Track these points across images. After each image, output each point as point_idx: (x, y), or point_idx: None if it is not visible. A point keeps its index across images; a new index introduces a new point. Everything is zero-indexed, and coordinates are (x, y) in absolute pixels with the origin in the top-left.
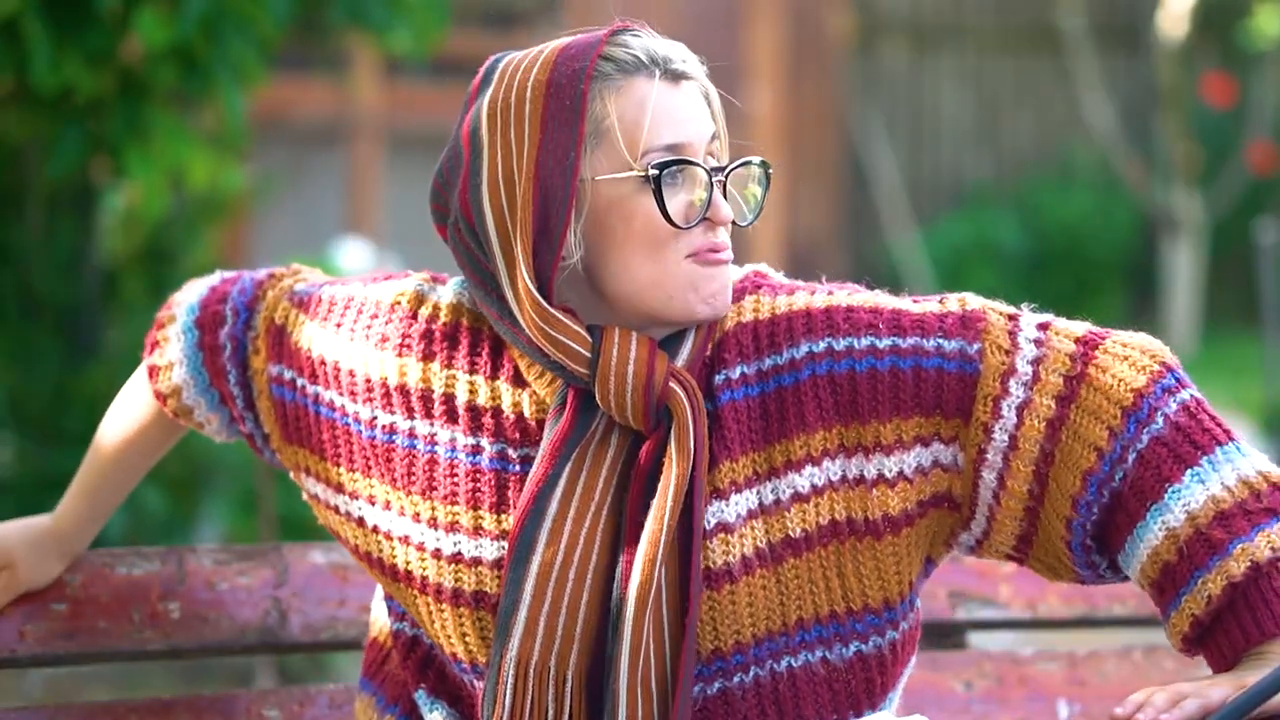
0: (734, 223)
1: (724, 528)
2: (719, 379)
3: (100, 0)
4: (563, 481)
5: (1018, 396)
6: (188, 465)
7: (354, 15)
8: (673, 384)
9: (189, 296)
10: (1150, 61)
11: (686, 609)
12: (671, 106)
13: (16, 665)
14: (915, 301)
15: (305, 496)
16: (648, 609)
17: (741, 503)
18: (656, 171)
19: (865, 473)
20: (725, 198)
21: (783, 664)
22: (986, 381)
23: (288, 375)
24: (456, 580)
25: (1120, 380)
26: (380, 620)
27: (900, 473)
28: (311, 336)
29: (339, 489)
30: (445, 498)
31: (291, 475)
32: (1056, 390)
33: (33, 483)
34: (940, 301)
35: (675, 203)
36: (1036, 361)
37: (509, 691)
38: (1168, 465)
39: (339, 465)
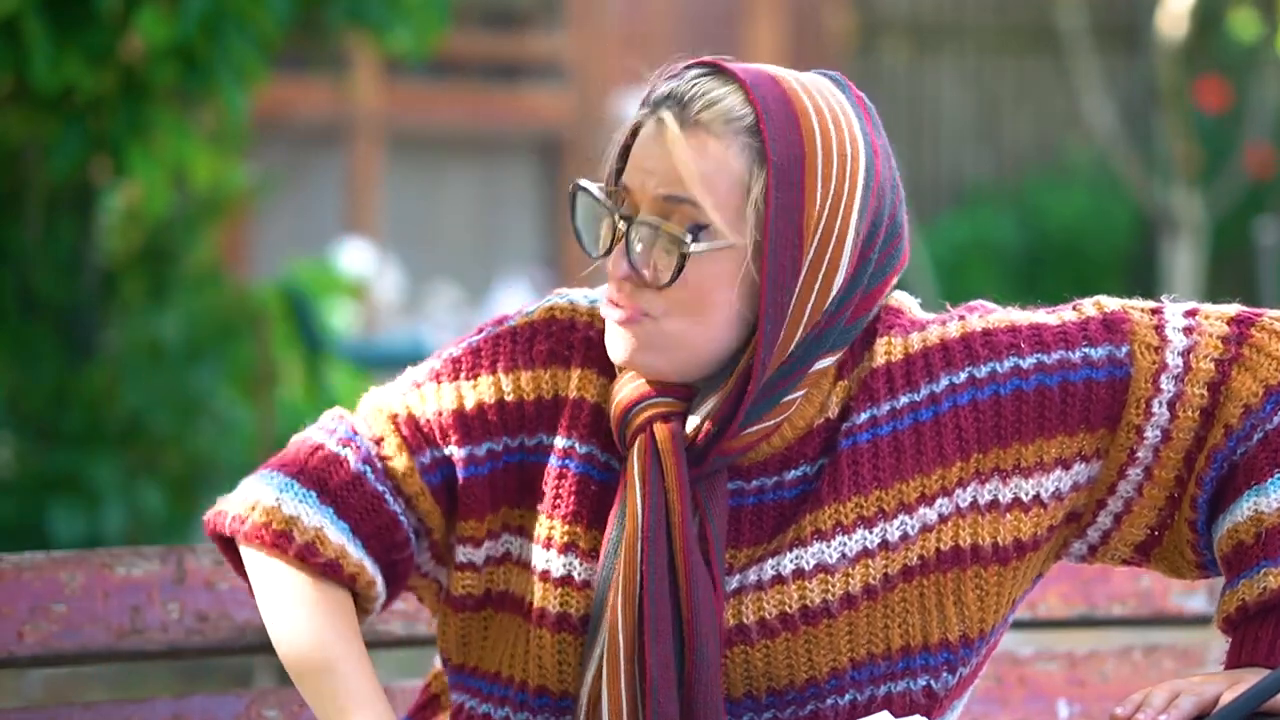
0: (648, 285)
1: (823, 568)
2: (845, 426)
3: (100, 0)
4: (635, 512)
5: (1169, 391)
6: (188, 465)
7: (354, 15)
8: (639, 437)
9: (266, 483)
10: (1150, 61)
11: (684, 656)
12: (639, 149)
13: (16, 665)
14: (1049, 313)
15: (458, 568)
16: (620, 674)
17: (850, 544)
18: (571, 189)
19: (1000, 497)
20: (630, 251)
21: (882, 689)
22: (1138, 384)
23: (438, 455)
24: (562, 604)
25: (1273, 358)
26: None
27: (1037, 496)
28: (441, 400)
29: (490, 538)
30: (566, 515)
31: (456, 556)
32: (1209, 377)
33: (32, 483)
34: (1074, 309)
35: (589, 231)
36: (1187, 352)
37: None
38: None
39: (490, 513)
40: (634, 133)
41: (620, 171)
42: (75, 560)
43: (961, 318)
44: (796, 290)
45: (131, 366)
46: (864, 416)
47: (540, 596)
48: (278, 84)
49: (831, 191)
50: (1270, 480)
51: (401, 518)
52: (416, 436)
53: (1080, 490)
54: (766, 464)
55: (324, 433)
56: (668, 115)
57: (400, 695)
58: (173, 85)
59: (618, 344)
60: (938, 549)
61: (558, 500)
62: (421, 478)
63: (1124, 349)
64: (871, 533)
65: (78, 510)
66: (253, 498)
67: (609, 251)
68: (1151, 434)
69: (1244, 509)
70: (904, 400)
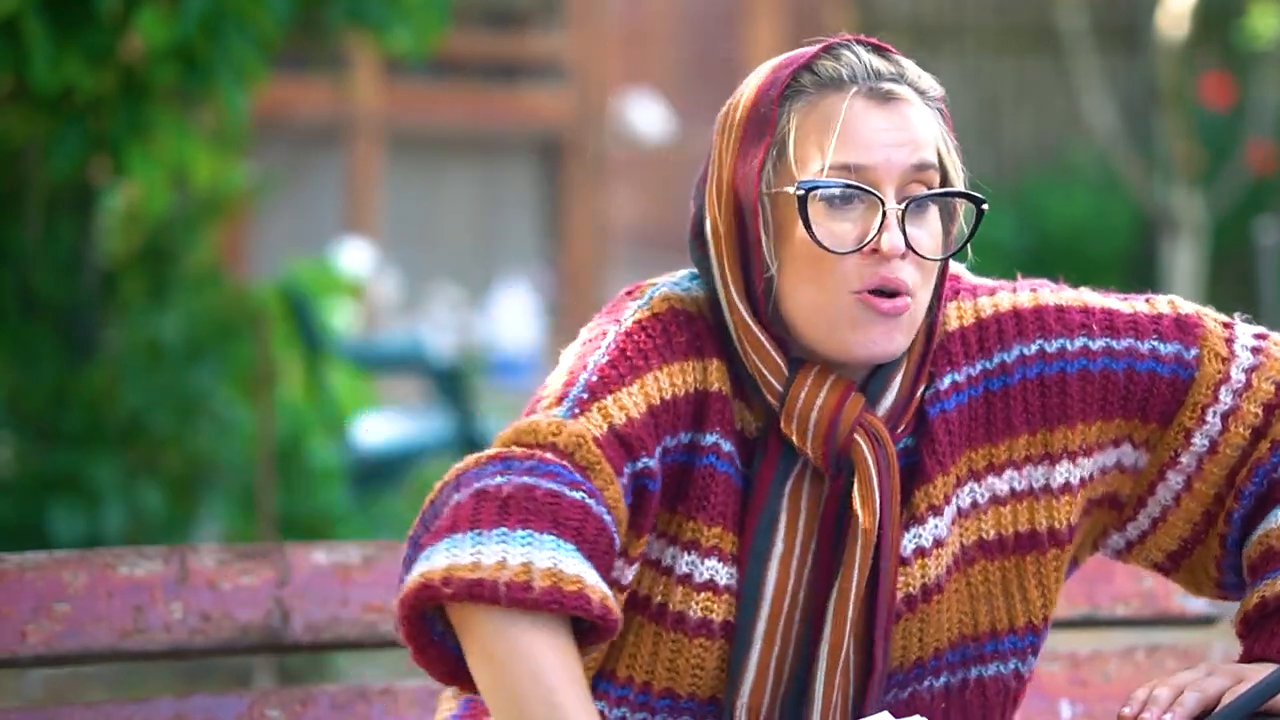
0: (924, 256)
1: (938, 543)
2: (929, 393)
3: (100, 0)
4: (782, 516)
5: (1226, 404)
6: (188, 465)
7: (354, 15)
8: (858, 436)
9: (521, 542)
10: (1150, 61)
11: (872, 663)
12: (863, 126)
13: (18, 665)
14: (1121, 299)
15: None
16: (838, 669)
17: (949, 513)
18: (803, 191)
19: (1060, 479)
20: (904, 229)
21: (974, 672)
22: (1199, 389)
23: (634, 468)
24: (705, 611)
25: None
26: None
27: (1082, 479)
28: (626, 408)
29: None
30: (711, 517)
31: (622, 588)
32: (1267, 398)
33: (32, 483)
34: (1148, 301)
35: (836, 227)
36: (1251, 370)
37: None
38: None
39: (645, 532)
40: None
41: (809, 158)
42: (78, 560)
43: (1033, 289)
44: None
45: (131, 366)
46: (947, 381)
47: (679, 600)
48: (278, 84)
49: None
50: None
51: (616, 540)
52: (619, 455)
53: (1125, 474)
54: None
55: (545, 478)
56: (898, 87)
57: (401, 695)
58: (173, 85)
59: (886, 338)
60: (1015, 530)
61: (705, 501)
62: (624, 503)
63: (1193, 352)
64: (959, 498)
65: (78, 510)
66: (520, 558)
67: (870, 241)
68: (1200, 441)
69: (1277, 517)
70: (979, 367)
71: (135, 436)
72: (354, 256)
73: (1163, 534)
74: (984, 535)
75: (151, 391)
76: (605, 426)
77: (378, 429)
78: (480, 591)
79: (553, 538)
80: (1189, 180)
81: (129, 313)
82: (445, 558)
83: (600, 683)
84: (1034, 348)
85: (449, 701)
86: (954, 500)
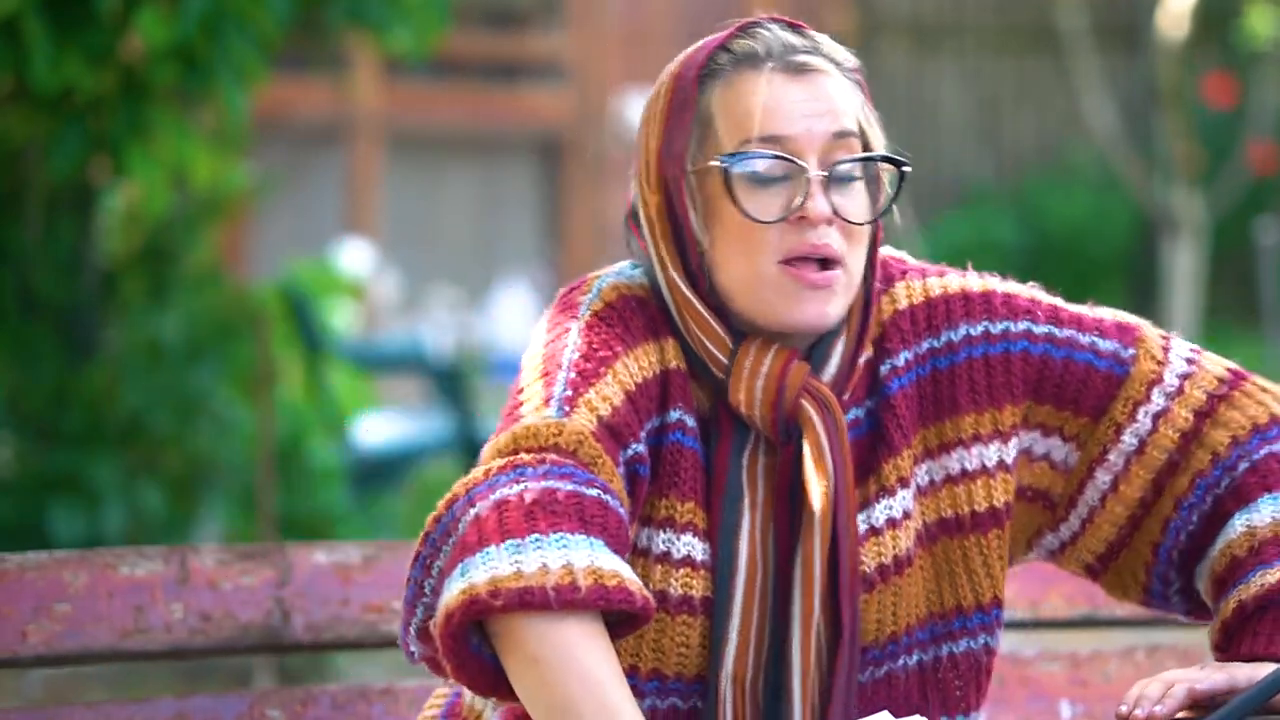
0: (851, 221)
1: (907, 514)
2: (885, 369)
3: (100, 0)
4: (745, 489)
5: (1158, 404)
6: (188, 465)
7: (354, 15)
8: (805, 401)
9: (553, 545)
10: (1150, 61)
11: (840, 626)
12: (782, 99)
13: (19, 665)
14: (1068, 303)
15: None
16: (812, 635)
17: (912, 487)
18: (725, 165)
19: (1005, 458)
20: (828, 196)
21: (945, 649)
22: (1132, 385)
23: (625, 455)
24: (685, 587)
25: (1262, 405)
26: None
27: (1013, 459)
28: (611, 398)
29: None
30: (683, 493)
31: None
32: (1198, 404)
33: (32, 483)
34: (1092, 307)
35: (762, 198)
36: (1184, 377)
37: (729, 707)
38: (1274, 477)
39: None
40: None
41: (735, 135)
42: (78, 560)
43: (982, 276)
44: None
45: (131, 366)
46: (903, 357)
47: (659, 578)
48: (278, 84)
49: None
50: (1261, 499)
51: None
52: (613, 446)
53: (1057, 471)
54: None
55: (561, 480)
56: (813, 59)
57: (401, 695)
58: (173, 85)
59: (818, 307)
60: (972, 510)
61: (676, 478)
62: (626, 493)
63: (1130, 351)
64: (918, 476)
65: (78, 510)
66: (560, 561)
67: (796, 210)
68: (1128, 440)
69: (1237, 528)
70: (926, 345)
71: (135, 436)
72: (354, 256)
73: (1091, 535)
74: (942, 513)
75: (151, 391)
76: (595, 420)
77: (378, 429)
78: (530, 599)
79: (584, 537)
80: (1189, 180)
81: (129, 313)
82: (484, 571)
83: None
84: (979, 328)
85: (435, 701)
86: (914, 477)
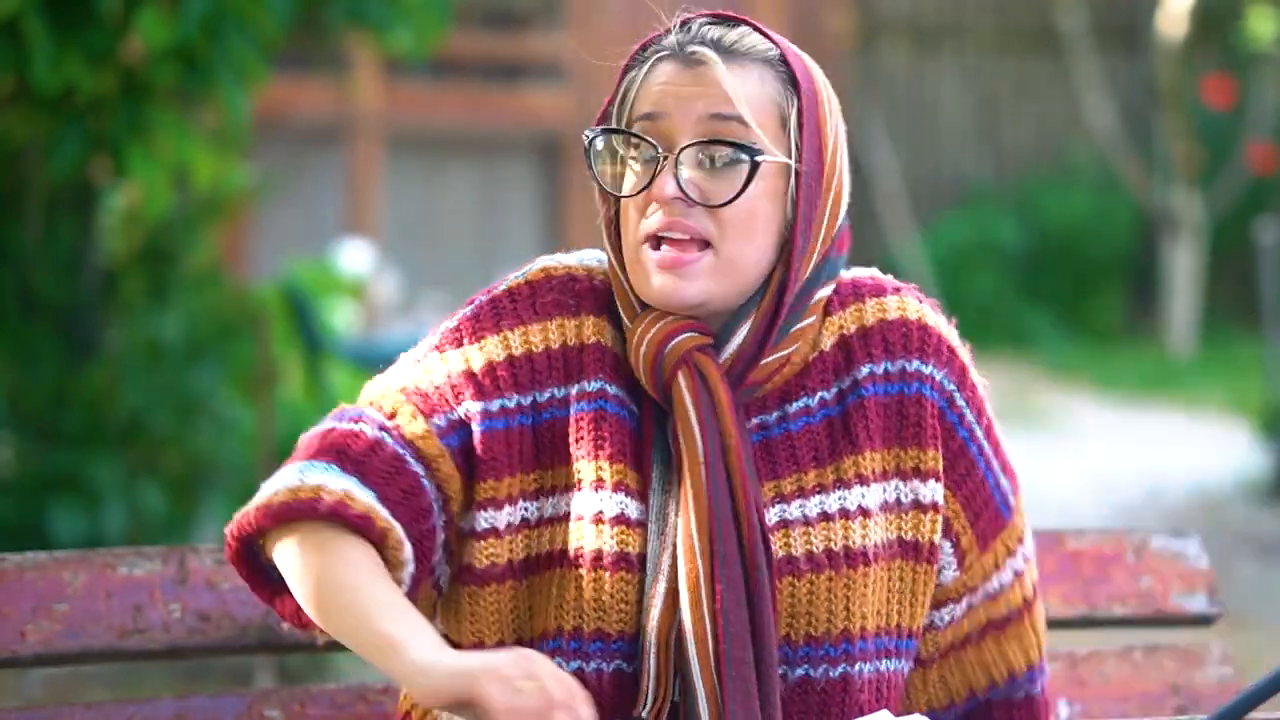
0: (695, 201)
1: (863, 511)
2: (865, 370)
3: (101, 0)
4: (670, 450)
5: (1018, 563)
6: (188, 465)
7: (354, 15)
8: (681, 372)
9: (280, 475)
10: (1150, 61)
11: (751, 595)
12: (666, 81)
13: (18, 665)
14: (996, 446)
15: (479, 537)
16: (702, 602)
17: (878, 491)
18: (588, 135)
19: (936, 497)
20: (679, 176)
21: (887, 665)
22: (1010, 534)
23: (453, 418)
24: (620, 543)
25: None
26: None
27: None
28: (448, 365)
29: (509, 502)
30: (611, 455)
31: (475, 525)
32: (1035, 580)
33: (33, 483)
34: (1006, 469)
35: (616, 172)
36: (1029, 549)
37: (651, 663)
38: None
39: (508, 476)
40: (631, 82)
41: (622, 115)
42: (77, 560)
43: (961, 344)
44: (818, 209)
45: (132, 366)
46: (885, 367)
47: (595, 539)
48: (278, 84)
49: (833, 126)
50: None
51: (424, 481)
52: (428, 403)
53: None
54: (765, 400)
55: (331, 420)
56: (701, 49)
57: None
58: (173, 86)
59: (669, 278)
60: (931, 540)
61: (600, 441)
62: (440, 440)
63: (1013, 499)
64: (886, 491)
65: (78, 510)
66: (270, 489)
67: (646, 187)
68: (994, 583)
69: None
70: (913, 366)
71: (135, 436)
72: (354, 256)
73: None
74: (903, 534)
75: (152, 391)
76: (423, 381)
77: None
78: (243, 525)
79: (327, 465)
80: (1189, 180)
81: (129, 313)
82: (256, 497)
83: (537, 643)
84: (941, 375)
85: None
86: (884, 487)
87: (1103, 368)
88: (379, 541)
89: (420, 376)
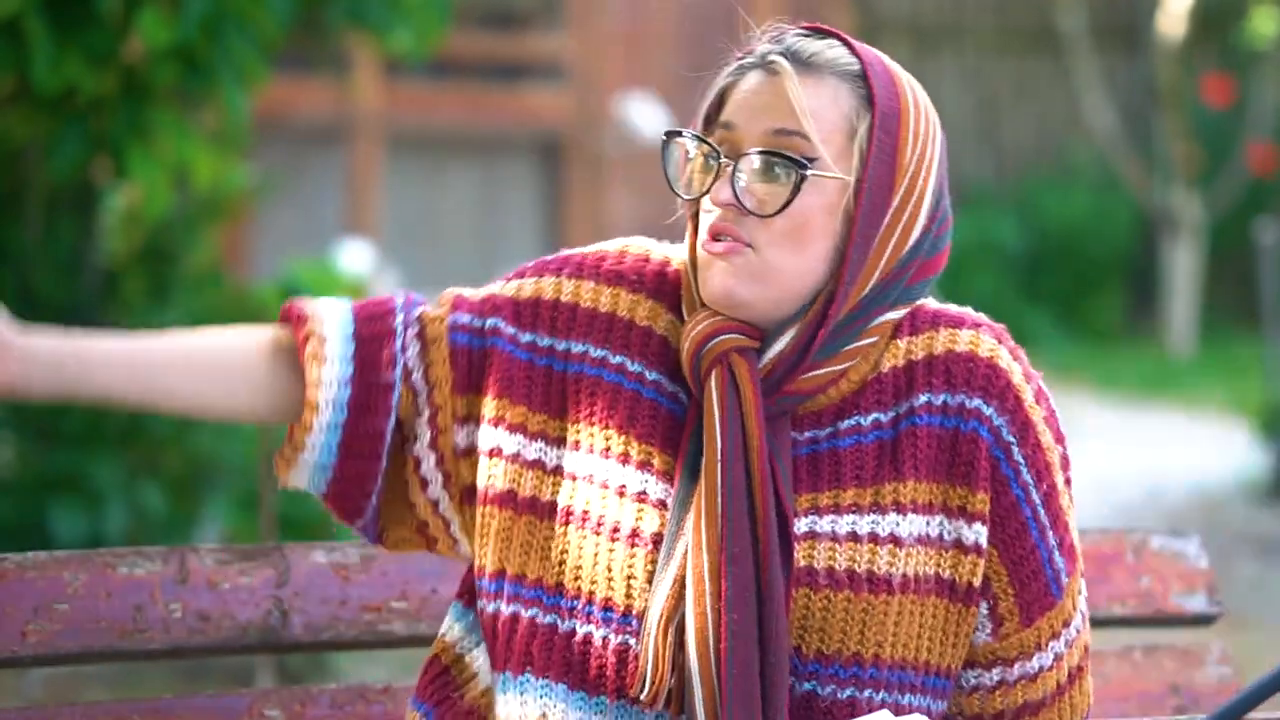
0: (749, 210)
1: (895, 539)
2: (923, 399)
3: (101, 0)
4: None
5: (1058, 647)
6: (188, 465)
7: (354, 15)
8: (715, 368)
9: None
10: (1150, 61)
11: (762, 597)
12: (745, 92)
13: (19, 665)
14: (1066, 478)
15: (461, 452)
16: (705, 595)
17: (917, 524)
18: (664, 137)
19: (980, 540)
20: (735, 183)
21: (906, 699)
22: (1057, 616)
23: (475, 323)
24: (637, 518)
25: (1089, 694)
26: (452, 634)
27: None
28: (502, 288)
29: (521, 431)
30: (640, 434)
31: (452, 434)
32: (1072, 667)
33: (33, 483)
34: (1070, 502)
35: (684, 174)
36: (1078, 631)
37: (651, 641)
38: None
39: (524, 406)
40: (724, 88)
41: (711, 121)
42: (78, 560)
43: (1040, 390)
44: (880, 231)
45: None
46: (943, 399)
47: (615, 510)
48: (278, 84)
49: (919, 149)
50: None
51: (397, 337)
52: (464, 302)
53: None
54: (820, 415)
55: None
56: (780, 60)
57: (400, 695)
58: (173, 86)
59: (718, 277)
60: (969, 581)
61: (634, 419)
62: (447, 331)
63: (1065, 580)
64: (929, 525)
65: (79, 510)
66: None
67: (706, 191)
68: (1034, 663)
69: None
70: (973, 402)
71: (136, 437)
72: (354, 256)
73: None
74: (941, 571)
75: None
76: (475, 292)
77: None
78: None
79: (346, 301)
80: (1188, 180)
81: (130, 313)
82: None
83: (547, 596)
84: (1002, 428)
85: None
86: (928, 521)
87: (1103, 368)
88: (298, 346)
89: (477, 289)
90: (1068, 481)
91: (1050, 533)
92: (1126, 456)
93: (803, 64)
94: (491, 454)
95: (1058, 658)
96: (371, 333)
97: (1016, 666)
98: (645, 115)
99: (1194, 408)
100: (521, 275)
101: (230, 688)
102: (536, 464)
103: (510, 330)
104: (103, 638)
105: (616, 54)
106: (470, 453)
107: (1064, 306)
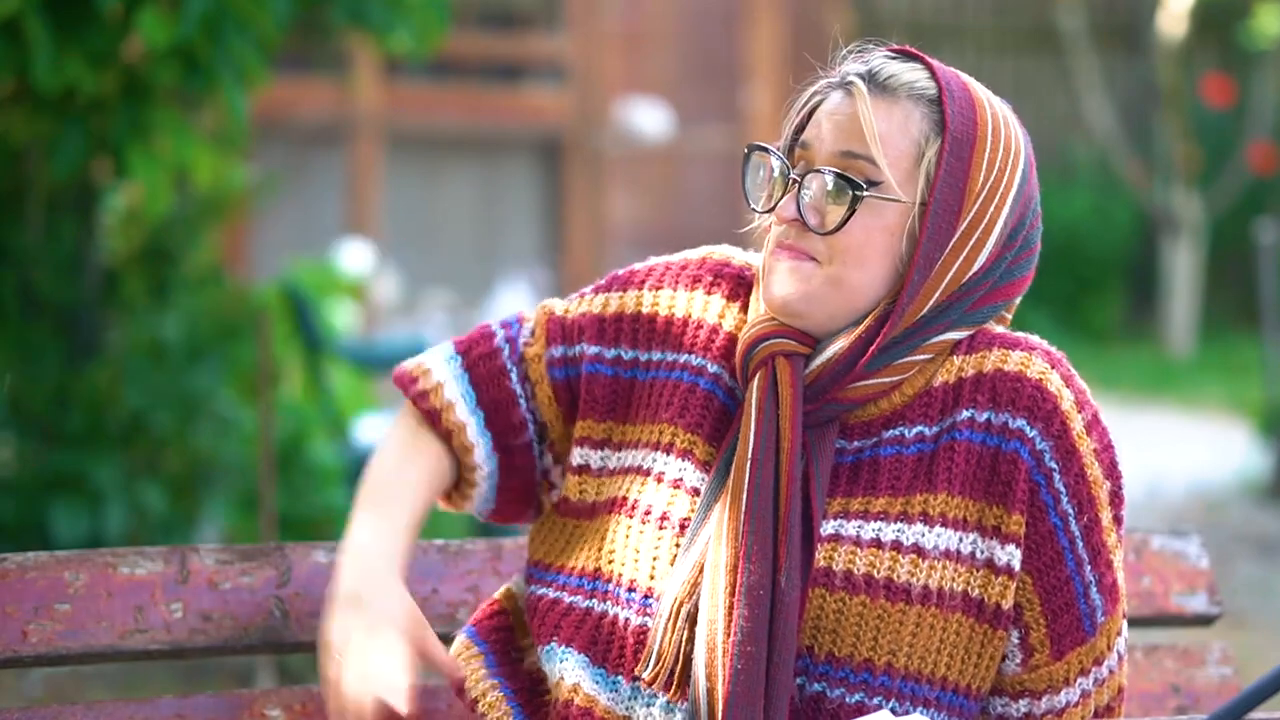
0: (809, 227)
1: (918, 550)
2: (966, 414)
3: (101, 0)
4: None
5: (1087, 684)
6: (188, 465)
7: (354, 16)
8: (760, 369)
9: (441, 350)
10: (1150, 61)
11: (775, 597)
12: (823, 112)
13: (20, 665)
14: (1114, 516)
15: (575, 472)
16: (722, 589)
17: (946, 537)
18: (746, 150)
19: (1014, 563)
20: (800, 200)
21: (917, 712)
22: (1089, 652)
23: (569, 353)
24: (669, 502)
25: None
26: (515, 589)
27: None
28: (590, 304)
29: (585, 444)
30: (689, 424)
31: (573, 459)
32: (1100, 704)
33: (34, 483)
34: (1118, 540)
35: (758, 188)
36: (1111, 671)
37: (663, 623)
38: None
39: (596, 418)
40: (812, 106)
41: (795, 141)
42: (79, 560)
43: (1095, 418)
44: (945, 253)
45: (132, 367)
46: (987, 417)
47: (650, 495)
48: (278, 84)
49: (994, 175)
50: None
51: (520, 399)
52: (557, 330)
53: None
54: (870, 425)
55: (496, 325)
56: (857, 80)
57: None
58: (174, 86)
59: (781, 283)
60: (997, 604)
61: (685, 410)
62: (546, 367)
63: (1101, 619)
64: (962, 542)
65: (79, 510)
66: (428, 364)
67: (774, 206)
68: (1061, 698)
69: None
70: (1014, 421)
71: (136, 436)
72: (354, 256)
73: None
74: (970, 590)
75: (153, 391)
76: (567, 310)
77: (378, 429)
78: (396, 373)
79: (454, 355)
80: (1189, 180)
81: (130, 313)
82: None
83: (583, 580)
84: (1045, 452)
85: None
86: (960, 537)
87: (1102, 368)
88: (443, 437)
89: (570, 306)
90: (1117, 520)
91: (1088, 567)
92: (1126, 456)
93: (879, 86)
94: (580, 471)
95: (1084, 695)
96: (495, 400)
97: (1044, 700)
98: (645, 115)
99: (1194, 408)
100: (610, 288)
101: (231, 688)
102: (598, 470)
103: (595, 350)
104: (103, 638)
105: (616, 54)
106: (569, 470)
107: (1064, 306)
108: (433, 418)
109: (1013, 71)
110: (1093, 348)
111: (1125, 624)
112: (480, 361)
